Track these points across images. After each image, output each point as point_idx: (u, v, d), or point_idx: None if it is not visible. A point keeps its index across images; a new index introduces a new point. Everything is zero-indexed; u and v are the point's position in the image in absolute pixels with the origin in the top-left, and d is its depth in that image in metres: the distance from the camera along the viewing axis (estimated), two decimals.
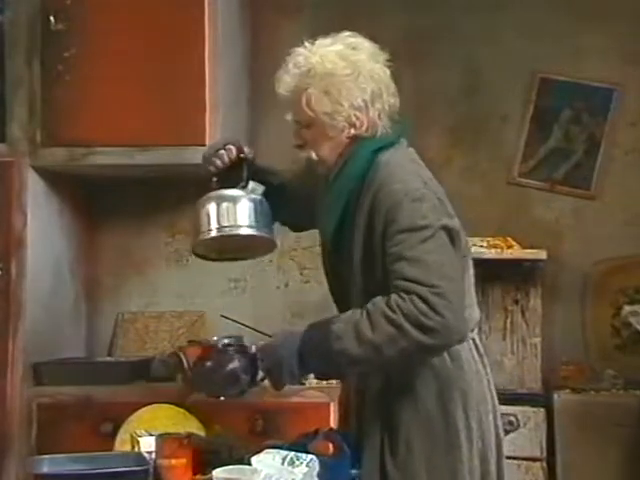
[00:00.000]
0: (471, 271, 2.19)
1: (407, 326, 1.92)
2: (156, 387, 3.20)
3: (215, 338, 3.35)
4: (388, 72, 2.14)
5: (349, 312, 2.04)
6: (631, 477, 3.20)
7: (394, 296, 1.94)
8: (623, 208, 3.61)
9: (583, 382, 3.39)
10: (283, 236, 3.72)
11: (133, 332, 3.61)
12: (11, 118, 3.18)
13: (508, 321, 3.43)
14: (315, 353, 2.00)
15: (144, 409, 2.90)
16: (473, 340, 2.17)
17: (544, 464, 3.29)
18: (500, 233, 3.47)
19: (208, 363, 2.07)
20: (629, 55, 3.61)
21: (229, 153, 2.27)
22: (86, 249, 3.65)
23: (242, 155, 2.28)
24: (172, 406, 2.94)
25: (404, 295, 1.94)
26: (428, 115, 3.67)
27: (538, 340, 3.42)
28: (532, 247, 3.43)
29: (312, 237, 3.72)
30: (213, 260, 2.41)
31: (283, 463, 1.98)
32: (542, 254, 3.39)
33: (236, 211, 2.22)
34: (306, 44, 2.11)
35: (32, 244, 3.21)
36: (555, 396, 3.31)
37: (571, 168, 3.65)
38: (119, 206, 3.69)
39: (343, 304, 2.17)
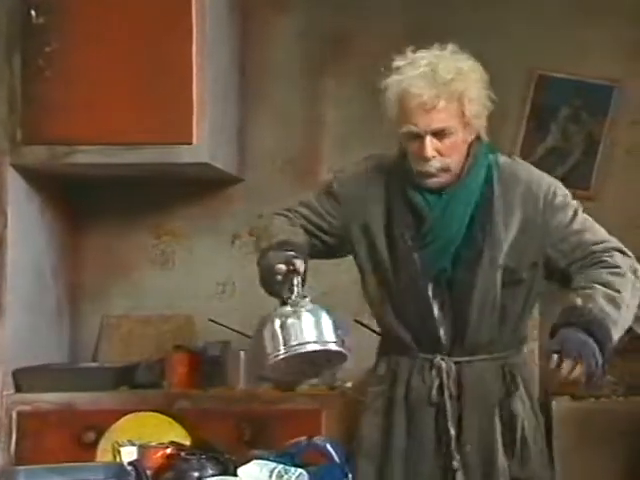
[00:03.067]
0: None
1: (631, 275, 2.16)
2: (141, 394, 3.15)
3: (202, 344, 3.37)
4: None
5: (577, 302, 2.10)
6: None
7: (604, 262, 2.15)
8: (623, 209, 3.51)
9: (583, 389, 3.30)
10: None
11: (118, 337, 3.55)
12: None
13: None
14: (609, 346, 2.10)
15: (127, 417, 2.85)
16: None
17: None
18: None
19: (169, 474, 2.00)
20: (630, 52, 3.54)
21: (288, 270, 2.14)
22: (69, 250, 3.59)
23: (292, 267, 2.14)
24: (156, 414, 2.89)
25: (607, 256, 2.18)
26: None
27: (536, 344, 3.33)
28: None
29: None
30: (284, 384, 2.35)
31: (271, 476, 1.94)
32: None
33: (301, 327, 2.11)
34: (428, 52, 2.16)
35: (12, 245, 3.15)
36: (554, 403, 3.24)
37: (569, 168, 3.58)
38: (103, 206, 3.63)
39: (451, 320, 2.20)
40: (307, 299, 2.13)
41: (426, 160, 2.12)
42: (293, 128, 3.64)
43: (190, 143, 3.08)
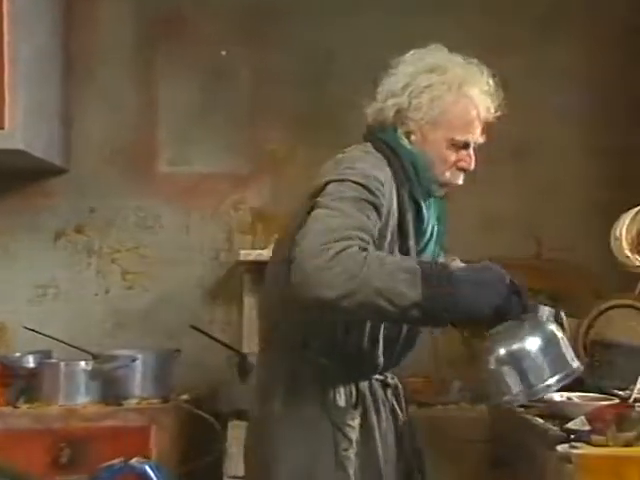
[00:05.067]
0: None
1: None
2: None
3: (18, 354, 3.05)
4: None
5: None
6: None
7: None
8: (475, 209, 3.41)
9: (431, 396, 3.22)
10: (102, 237, 3.39)
11: None
12: None
13: None
14: None
15: None
16: None
17: None
18: None
19: None
20: (484, 47, 3.39)
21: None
22: None
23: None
24: None
25: None
26: (269, 103, 3.40)
27: None
28: None
29: (137, 238, 3.42)
30: None
31: None
32: None
33: (541, 362, 1.84)
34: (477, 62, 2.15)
35: None
36: None
37: None
38: None
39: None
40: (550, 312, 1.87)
41: (465, 171, 2.07)
42: (124, 115, 3.38)
43: (2, 128, 2.84)
